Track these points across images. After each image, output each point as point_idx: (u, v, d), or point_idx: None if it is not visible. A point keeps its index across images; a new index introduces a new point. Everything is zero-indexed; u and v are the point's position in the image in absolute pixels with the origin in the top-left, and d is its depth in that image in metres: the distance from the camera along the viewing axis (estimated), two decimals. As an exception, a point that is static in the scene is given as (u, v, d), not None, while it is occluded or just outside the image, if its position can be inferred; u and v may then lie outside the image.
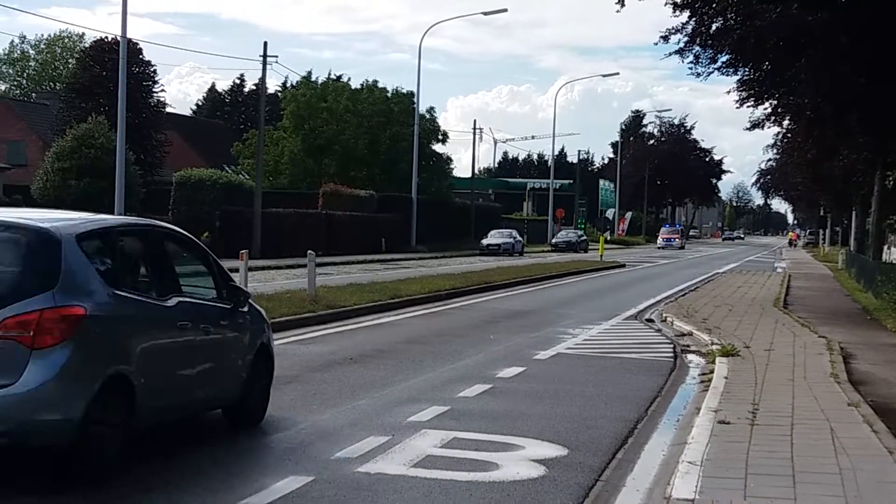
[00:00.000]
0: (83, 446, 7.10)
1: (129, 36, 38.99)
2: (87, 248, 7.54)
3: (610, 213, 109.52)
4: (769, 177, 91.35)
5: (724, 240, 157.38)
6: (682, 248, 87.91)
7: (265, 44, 47.41)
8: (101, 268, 7.62)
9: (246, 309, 9.57)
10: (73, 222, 7.84)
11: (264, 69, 47.09)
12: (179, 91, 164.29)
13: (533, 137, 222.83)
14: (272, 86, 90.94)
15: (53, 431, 6.97)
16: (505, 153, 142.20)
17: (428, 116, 71.25)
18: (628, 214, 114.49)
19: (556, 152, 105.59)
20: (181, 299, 8.49)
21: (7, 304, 6.97)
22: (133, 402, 7.56)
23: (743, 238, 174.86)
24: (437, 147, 72.64)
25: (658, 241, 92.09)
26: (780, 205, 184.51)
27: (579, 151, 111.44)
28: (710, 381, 12.66)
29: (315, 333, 17.22)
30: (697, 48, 26.96)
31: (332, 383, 12.10)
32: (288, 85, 75.96)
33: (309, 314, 18.87)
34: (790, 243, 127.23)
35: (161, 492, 7.24)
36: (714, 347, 15.81)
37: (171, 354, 8.18)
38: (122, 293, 7.65)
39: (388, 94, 70.15)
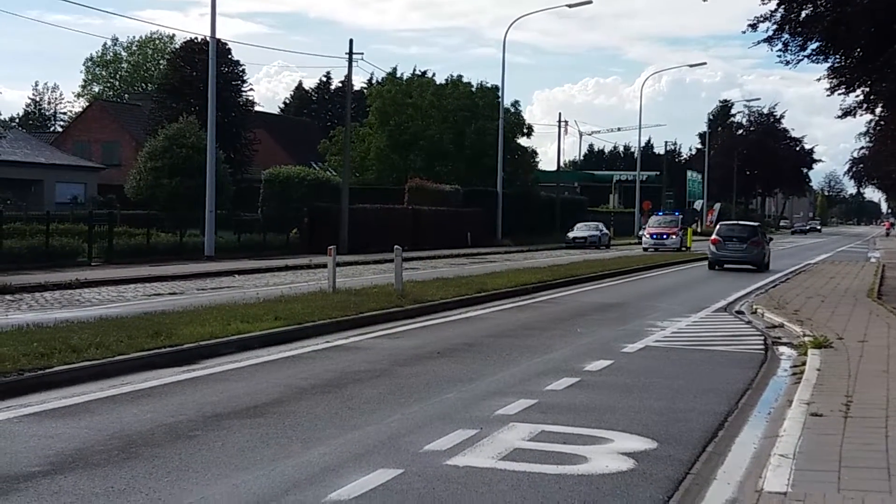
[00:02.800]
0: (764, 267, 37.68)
1: (218, 36, 39.71)
2: (760, 231, 38.66)
3: (698, 205, 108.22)
4: (862, 165, 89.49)
5: (792, 233, 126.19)
6: (681, 248, 52.91)
7: (350, 41, 47.99)
8: (761, 232, 38.91)
9: (768, 241, 39.36)
10: (755, 224, 41.68)
11: (350, 66, 47.49)
12: (268, 89, 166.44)
13: (619, 129, 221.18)
14: (358, 83, 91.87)
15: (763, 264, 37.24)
16: (591, 146, 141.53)
17: (513, 110, 71.18)
18: (717, 206, 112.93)
19: (643, 144, 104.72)
20: (770, 237, 44.25)
21: (750, 241, 36.89)
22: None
23: (819, 230, 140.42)
24: (523, 141, 72.62)
25: (643, 240, 55.27)
26: (873, 194, 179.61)
27: (666, 143, 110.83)
28: (802, 373, 12.47)
29: (403, 328, 17.36)
30: (786, 36, 26.54)
31: (420, 377, 12.19)
32: (373, 81, 76.49)
33: (396, 308, 19.01)
34: (888, 233, 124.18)
35: (256, 481, 7.37)
36: (806, 339, 15.56)
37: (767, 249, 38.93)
38: (760, 239, 37.76)
39: (473, 89, 70.21)
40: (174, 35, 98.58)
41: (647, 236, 53.95)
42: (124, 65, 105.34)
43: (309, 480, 7.47)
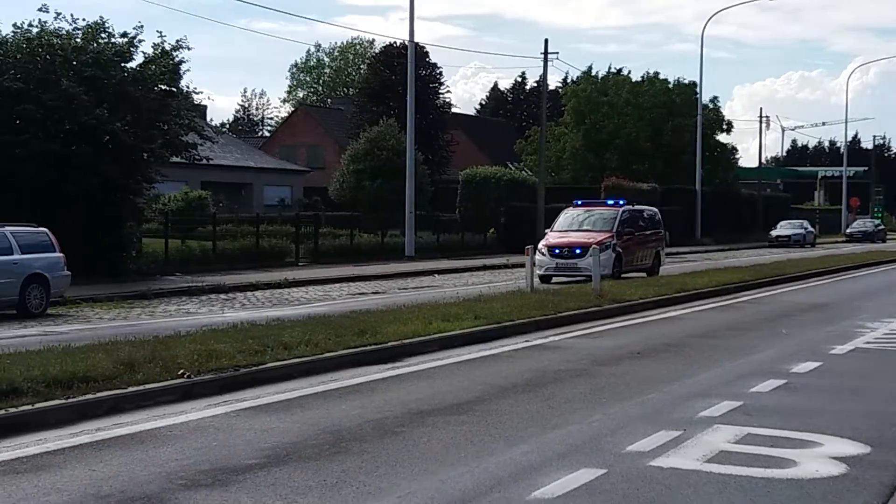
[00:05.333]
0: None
1: (416, 40, 40.45)
2: None
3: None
4: None
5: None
6: (613, 273, 27.25)
7: (546, 41, 48.01)
8: None
9: None
10: None
11: (545, 66, 47.65)
12: (464, 91, 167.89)
13: (823, 124, 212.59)
14: (553, 82, 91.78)
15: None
16: (793, 141, 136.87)
17: (711, 106, 69.76)
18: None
19: (850, 138, 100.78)
20: None
21: None
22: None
23: None
24: (722, 137, 71.03)
25: (537, 258, 25.39)
26: None
27: (875, 137, 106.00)
28: None
29: (601, 327, 17.30)
30: None
31: (620, 377, 12.14)
32: (568, 80, 76.33)
33: (595, 308, 18.96)
34: None
35: (461, 478, 7.52)
36: None
37: None
38: None
39: (670, 86, 69.14)
40: (374, 40, 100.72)
41: (544, 252, 27.90)
42: (327, 70, 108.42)
43: (513, 478, 7.56)
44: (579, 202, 31.27)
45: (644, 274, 28.88)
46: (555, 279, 27.40)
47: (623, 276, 27.52)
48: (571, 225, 29.43)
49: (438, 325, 15.23)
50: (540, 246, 27.90)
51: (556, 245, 27.77)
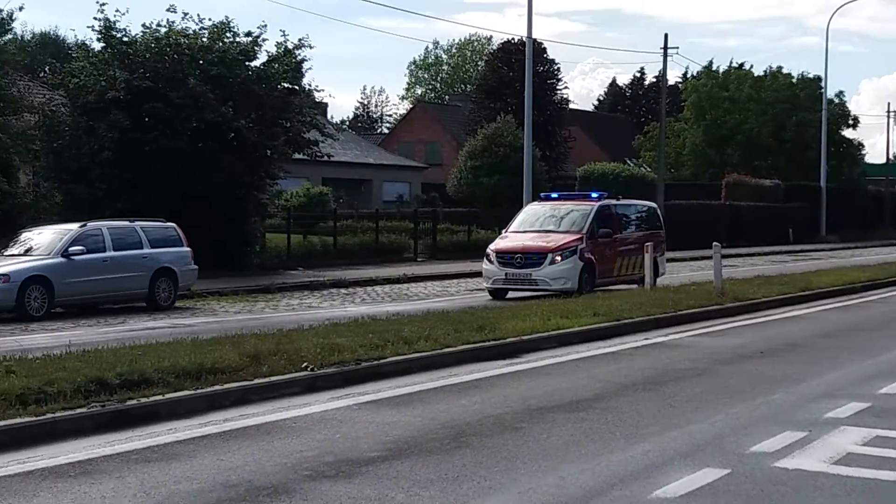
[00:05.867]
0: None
1: (534, 36, 40.32)
2: None
3: None
4: None
5: None
6: (584, 287, 21.46)
7: (665, 36, 47.46)
8: None
9: None
10: None
11: (665, 61, 47.14)
12: (582, 87, 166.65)
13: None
14: (672, 77, 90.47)
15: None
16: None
17: (837, 101, 68.09)
18: None
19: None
20: None
21: None
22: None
23: None
24: (848, 132, 69.27)
25: (484, 267, 22.63)
26: None
27: None
28: None
29: (722, 326, 17.07)
30: None
31: (742, 376, 11.97)
32: (688, 76, 75.30)
33: (716, 307, 18.71)
34: None
35: (582, 475, 7.53)
36: None
37: None
38: None
39: (793, 80, 67.68)
40: (491, 36, 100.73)
41: (492, 259, 22.48)
42: (445, 67, 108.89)
43: (634, 476, 7.53)
44: (549, 195, 25.33)
45: (635, 286, 22.82)
46: (511, 294, 22.29)
47: (600, 289, 21.49)
48: (532, 224, 23.44)
49: (557, 322, 15.22)
50: (488, 251, 22.75)
51: (507, 251, 22.04)
